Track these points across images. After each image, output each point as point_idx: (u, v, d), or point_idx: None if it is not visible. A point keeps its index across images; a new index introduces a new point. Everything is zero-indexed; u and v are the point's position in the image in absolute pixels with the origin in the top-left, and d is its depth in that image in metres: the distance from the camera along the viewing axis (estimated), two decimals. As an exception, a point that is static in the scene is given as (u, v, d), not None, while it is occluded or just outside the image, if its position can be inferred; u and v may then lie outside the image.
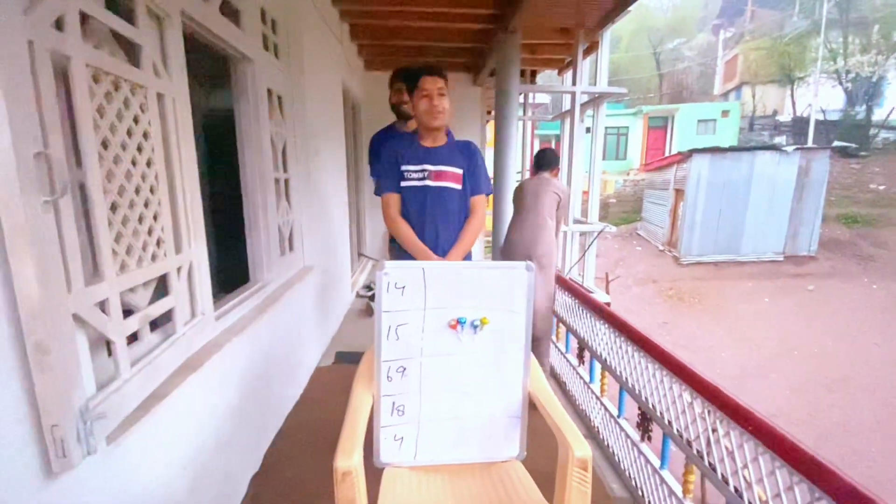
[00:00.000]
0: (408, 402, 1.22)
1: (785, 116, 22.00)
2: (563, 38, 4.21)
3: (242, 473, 1.66)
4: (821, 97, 19.02)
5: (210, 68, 2.43)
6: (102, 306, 0.94)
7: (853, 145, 17.17)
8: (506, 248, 2.68)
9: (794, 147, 11.92)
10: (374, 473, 1.16)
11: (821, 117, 18.97)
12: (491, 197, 2.87)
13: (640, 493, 1.70)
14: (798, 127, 19.77)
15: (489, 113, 6.29)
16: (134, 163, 1.06)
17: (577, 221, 4.79)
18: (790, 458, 0.98)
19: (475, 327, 1.23)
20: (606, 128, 4.91)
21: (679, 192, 12.37)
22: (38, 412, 0.78)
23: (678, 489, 1.46)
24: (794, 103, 21.79)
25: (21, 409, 0.76)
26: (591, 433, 2.16)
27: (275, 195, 2.12)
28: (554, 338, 2.84)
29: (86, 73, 0.89)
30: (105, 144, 0.97)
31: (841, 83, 20.22)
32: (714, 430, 1.25)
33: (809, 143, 15.29)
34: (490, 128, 6.47)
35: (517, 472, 1.22)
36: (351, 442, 0.99)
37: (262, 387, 1.85)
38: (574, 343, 2.49)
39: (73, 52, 0.86)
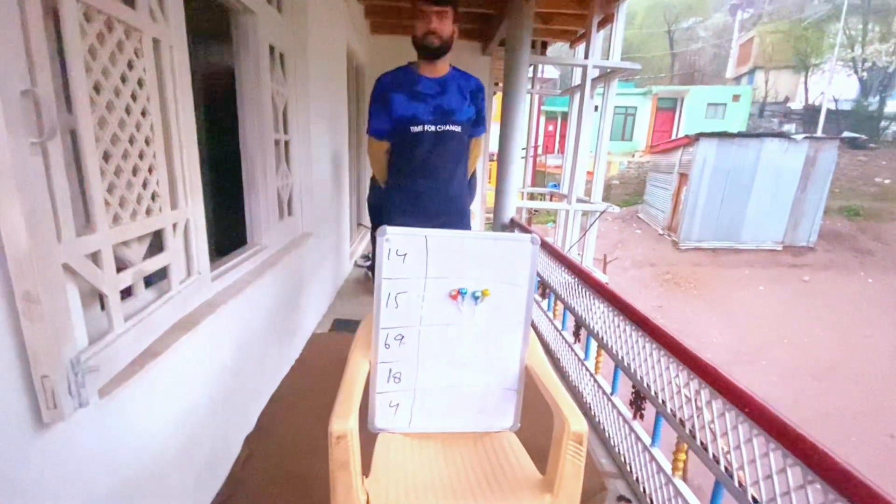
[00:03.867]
0: (404, 370, 1.21)
1: (797, 104, 21.66)
2: (578, 7, 4.06)
3: (236, 434, 1.68)
4: (835, 85, 18.66)
5: (210, 22, 2.33)
6: (95, 258, 0.91)
7: (863, 137, 16.95)
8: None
9: (803, 136, 11.75)
10: (368, 438, 1.16)
11: (833, 106, 18.68)
12: (494, 170, 2.81)
13: (628, 468, 1.72)
14: (809, 115, 19.49)
15: (497, 85, 6.14)
16: (128, 111, 1.01)
17: (579, 200, 4.74)
18: (785, 440, 0.98)
19: (476, 298, 1.21)
20: (614, 107, 4.80)
21: (683, 177, 12.26)
22: (28, 362, 0.76)
23: (667, 466, 1.47)
24: (806, 90, 21.42)
25: (10, 359, 0.75)
26: (583, 409, 2.19)
27: (275, 157, 2.07)
28: (550, 314, 2.84)
29: (77, 8, 0.84)
30: (97, 89, 0.92)
31: (856, 72, 19.84)
32: (709, 411, 1.25)
33: (819, 133, 15.11)
34: (496, 100, 6.34)
35: (510, 442, 1.22)
36: (347, 406, 0.98)
37: (258, 350, 1.85)
38: (570, 321, 2.50)
39: (62, -15, 0.80)
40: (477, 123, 1.88)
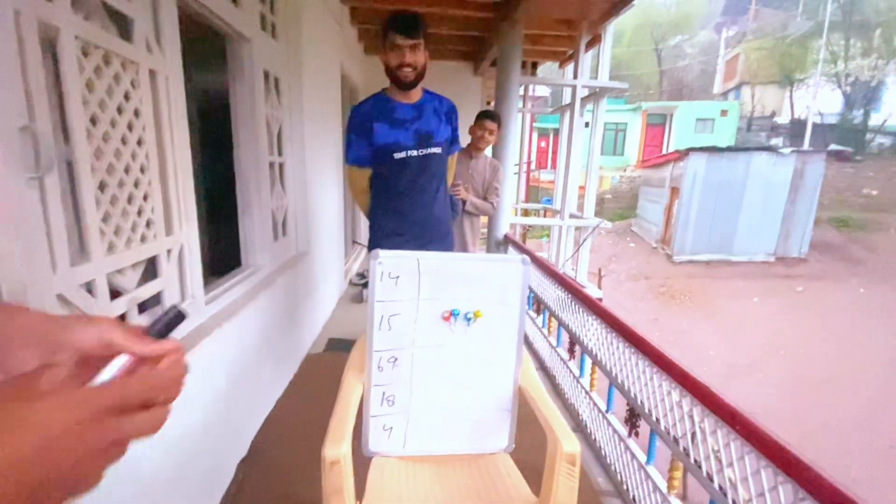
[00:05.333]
0: (398, 393, 1.22)
1: (783, 118, 22.09)
2: (566, 29, 4.17)
3: (229, 458, 1.66)
4: (819, 100, 19.07)
5: (206, 48, 2.38)
6: (89, 287, 0.92)
7: (849, 149, 17.29)
8: None
9: (791, 149, 11.97)
10: (362, 462, 1.16)
11: (818, 120, 19.08)
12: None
13: (625, 487, 1.71)
14: (795, 129, 19.86)
15: (488, 104, 6.24)
16: (124, 141, 1.03)
17: (572, 216, 4.79)
18: (776, 458, 0.99)
19: (468, 320, 1.22)
20: (605, 123, 4.89)
21: (674, 191, 12.40)
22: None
23: (663, 485, 1.47)
24: (792, 105, 21.87)
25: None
26: (579, 427, 2.18)
27: (269, 179, 2.09)
28: (545, 330, 2.85)
29: (74, 45, 0.86)
30: (94, 121, 0.94)
31: (840, 86, 20.30)
32: (701, 428, 1.26)
33: (806, 146, 15.38)
34: (489, 118, 6.42)
35: (505, 464, 1.22)
36: (340, 431, 0.98)
37: (252, 372, 1.84)
38: (565, 337, 2.50)
39: (61, 24, 0.83)
40: (453, 142, 1.92)
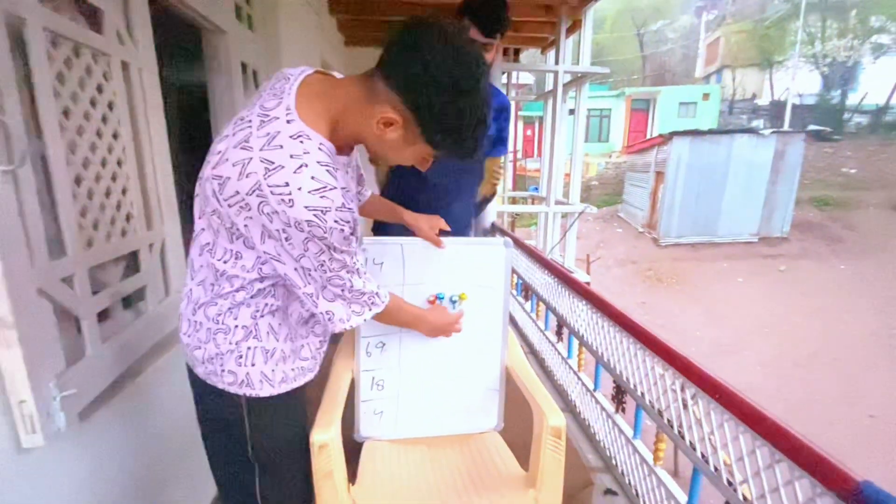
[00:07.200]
0: (387, 377, 1.23)
1: (763, 100, 22.34)
2: (546, 15, 4.16)
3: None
4: (798, 81, 19.32)
5: (184, 40, 2.34)
6: (69, 282, 0.91)
7: (827, 129, 17.56)
8: None
9: (771, 130, 12.14)
10: (354, 447, 1.17)
11: (797, 101, 19.33)
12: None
13: (613, 462, 1.76)
14: (775, 110, 20.11)
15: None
16: (99, 134, 1.02)
17: (558, 203, 4.82)
18: (753, 423, 1.03)
19: (454, 303, 1.24)
20: (590, 110, 4.92)
21: (659, 175, 12.52)
22: (4, 388, 0.77)
23: (649, 457, 1.51)
24: (772, 87, 22.13)
25: (-14, 386, 0.75)
26: (569, 407, 2.22)
27: (251, 173, 2.07)
28: (534, 315, 2.88)
29: (43, 37, 0.85)
30: (67, 114, 0.93)
31: (818, 67, 20.56)
32: (683, 401, 1.30)
33: (786, 127, 15.58)
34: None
35: (495, 442, 1.25)
36: (329, 415, 1.00)
37: (242, 366, 1.84)
38: (553, 321, 2.54)
39: (28, 15, 0.81)
40: (494, 143, 1.73)
